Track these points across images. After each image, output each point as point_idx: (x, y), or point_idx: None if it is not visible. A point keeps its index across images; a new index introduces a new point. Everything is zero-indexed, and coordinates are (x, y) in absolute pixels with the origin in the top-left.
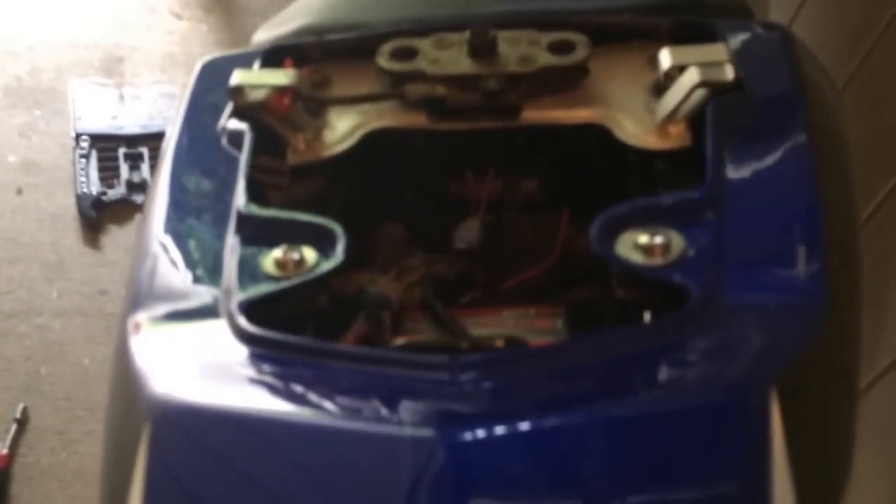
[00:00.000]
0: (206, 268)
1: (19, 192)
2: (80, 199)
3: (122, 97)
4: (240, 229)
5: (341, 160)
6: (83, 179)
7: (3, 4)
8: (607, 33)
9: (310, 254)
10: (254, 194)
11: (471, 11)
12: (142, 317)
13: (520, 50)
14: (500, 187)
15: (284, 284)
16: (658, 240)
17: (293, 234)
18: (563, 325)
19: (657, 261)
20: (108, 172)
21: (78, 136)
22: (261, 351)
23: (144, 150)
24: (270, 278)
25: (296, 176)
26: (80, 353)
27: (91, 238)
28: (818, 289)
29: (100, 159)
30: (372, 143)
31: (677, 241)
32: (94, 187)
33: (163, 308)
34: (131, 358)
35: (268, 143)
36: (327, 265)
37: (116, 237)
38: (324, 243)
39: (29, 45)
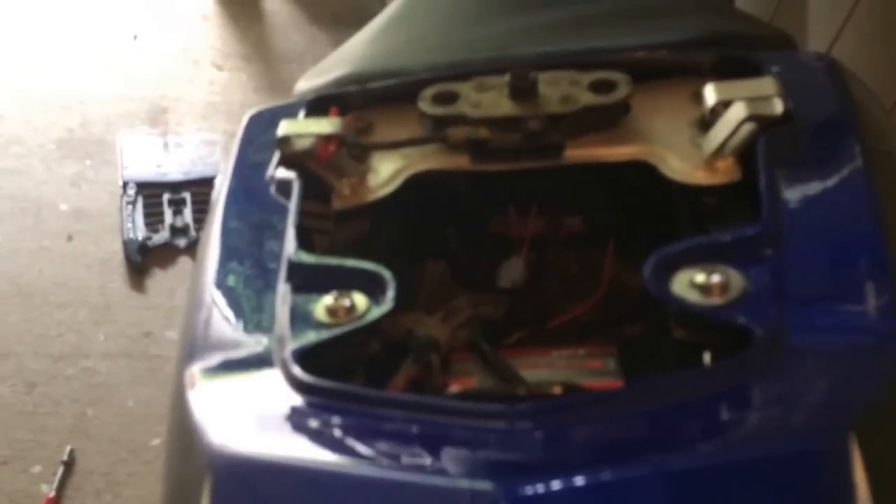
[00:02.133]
0: (259, 317)
1: (70, 238)
2: (126, 244)
3: (166, 145)
4: (290, 277)
5: (385, 203)
6: (129, 225)
7: (57, 62)
8: (649, 70)
9: (360, 300)
10: (302, 241)
11: (509, 53)
12: (197, 368)
13: (561, 90)
14: (543, 225)
15: (336, 332)
16: (716, 279)
17: (343, 281)
18: (615, 365)
19: (716, 300)
20: (153, 218)
21: (125, 183)
22: (316, 400)
23: (187, 196)
24: (322, 326)
25: (341, 220)
26: (125, 395)
27: (137, 282)
28: (890, 324)
29: (145, 205)
30: (415, 186)
31: (736, 280)
32: (140, 233)
33: (217, 358)
34: (189, 411)
35: (314, 189)
36: (378, 311)
37: (161, 280)
38: (373, 288)
39: (81, 100)
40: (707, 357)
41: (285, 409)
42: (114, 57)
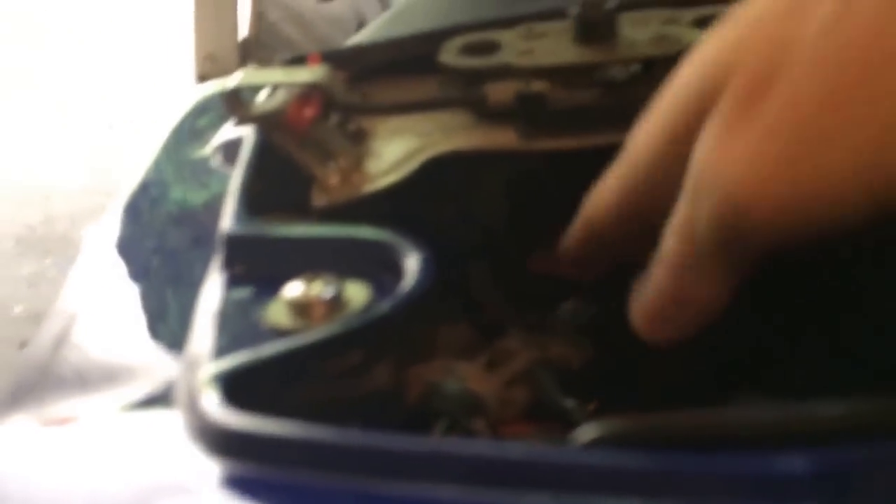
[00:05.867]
0: (161, 327)
1: (22, 345)
2: None
3: None
4: (228, 262)
5: (388, 199)
6: None
7: (21, 152)
8: None
9: (356, 290)
10: (252, 209)
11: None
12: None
13: (651, 30)
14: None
15: (301, 341)
16: None
17: (322, 261)
18: None
19: None
20: None
21: None
22: (250, 469)
23: None
24: (278, 334)
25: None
26: None
27: None
28: None
29: None
30: (434, 176)
31: None
32: None
33: (62, 402)
34: None
35: (280, 177)
36: (387, 306)
37: None
38: (377, 272)
39: (45, 195)
40: None
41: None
42: (85, 147)
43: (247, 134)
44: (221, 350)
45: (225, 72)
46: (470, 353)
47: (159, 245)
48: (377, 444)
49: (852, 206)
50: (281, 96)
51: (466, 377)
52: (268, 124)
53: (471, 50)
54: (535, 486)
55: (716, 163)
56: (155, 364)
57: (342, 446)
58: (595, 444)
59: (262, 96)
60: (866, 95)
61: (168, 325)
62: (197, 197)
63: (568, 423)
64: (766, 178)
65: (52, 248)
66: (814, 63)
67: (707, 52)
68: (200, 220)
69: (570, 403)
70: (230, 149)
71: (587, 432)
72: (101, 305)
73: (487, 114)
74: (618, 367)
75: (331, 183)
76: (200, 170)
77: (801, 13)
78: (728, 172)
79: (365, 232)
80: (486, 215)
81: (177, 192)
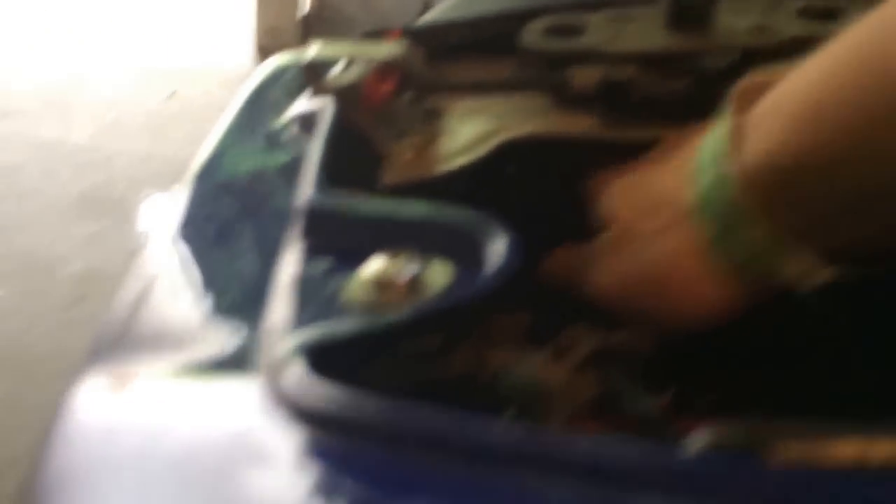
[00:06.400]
0: (240, 296)
1: (76, 302)
2: None
3: None
4: (308, 233)
5: (460, 180)
6: None
7: (84, 116)
8: None
9: (438, 271)
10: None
11: None
12: (100, 371)
13: (751, 19)
14: None
15: (383, 320)
16: None
17: (405, 238)
18: None
19: None
20: None
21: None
22: (331, 440)
23: None
24: (360, 309)
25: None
26: None
27: None
28: None
29: None
30: (510, 160)
31: None
32: None
33: (144, 359)
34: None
35: (352, 150)
36: (468, 292)
37: None
38: (461, 255)
39: (107, 156)
40: None
41: (266, 461)
42: (147, 114)
43: (323, 106)
44: (301, 322)
45: (285, 46)
46: (532, 341)
47: (216, 214)
48: (480, 432)
49: None
50: (357, 70)
51: (534, 365)
52: (345, 97)
53: (555, 32)
54: (648, 488)
55: None
56: (225, 330)
57: (441, 428)
58: (706, 451)
59: (336, 69)
60: None
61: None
62: (271, 161)
63: (642, 421)
64: None
65: (111, 209)
66: None
67: None
68: (248, 189)
69: (643, 397)
70: (306, 120)
71: (699, 440)
72: (175, 271)
73: (568, 99)
74: (681, 356)
75: (404, 160)
76: (273, 140)
77: None
78: None
79: (450, 212)
80: (556, 203)
81: (246, 163)
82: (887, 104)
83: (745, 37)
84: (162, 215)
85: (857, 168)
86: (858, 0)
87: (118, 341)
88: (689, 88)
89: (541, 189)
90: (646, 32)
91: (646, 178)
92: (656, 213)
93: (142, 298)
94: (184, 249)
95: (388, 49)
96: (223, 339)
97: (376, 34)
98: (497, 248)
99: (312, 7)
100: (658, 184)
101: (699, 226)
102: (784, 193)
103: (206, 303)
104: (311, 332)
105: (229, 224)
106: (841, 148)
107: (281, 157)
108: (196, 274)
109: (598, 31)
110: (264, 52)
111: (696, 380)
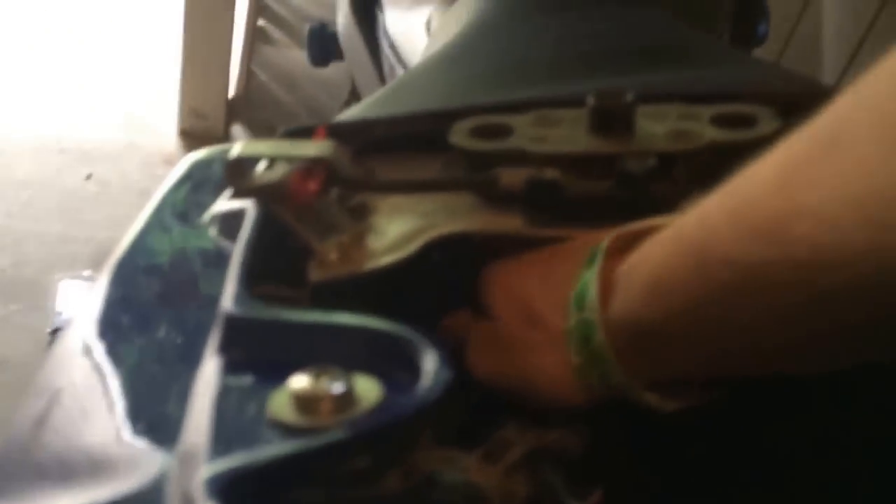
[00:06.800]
0: (156, 415)
1: None
2: None
3: None
4: (227, 345)
5: (387, 278)
6: None
7: None
8: (789, 106)
9: (367, 387)
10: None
11: (573, 90)
12: None
13: (668, 124)
14: None
15: (308, 443)
16: None
17: (329, 349)
18: None
19: None
20: None
21: (54, 331)
22: None
23: None
24: (284, 430)
25: (319, 299)
26: None
27: None
28: None
29: None
30: (437, 258)
31: None
32: None
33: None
34: None
35: (278, 251)
36: (403, 410)
37: None
38: (391, 368)
39: (16, 239)
40: None
41: None
42: (62, 196)
43: (246, 206)
44: (219, 443)
45: (210, 129)
46: (463, 443)
47: (134, 302)
48: None
49: None
50: (282, 168)
51: (466, 468)
52: (269, 197)
53: (482, 132)
54: None
55: None
56: (140, 455)
57: None
58: None
59: (260, 167)
60: None
61: (145, 406)
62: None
63: None
64: None
65: (21, 293)
66: None
67: None
68: (167, 276)
69: (574, 497)
70: (226, 221)
71: None
72: (84, 382)
73: (495, 197)
74: (615, 454)
75: (330, 258)
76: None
77: None
78: None
79: (378, 323)
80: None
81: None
82: (707, 291)
83: (663, 142)
84: (75, 302)
85: (698, 339)
86: (770, 107)
87: (16, 472)
88: (611, 190)
89: (466, 286)
90: (571, 136)
91: (533, 283)
92: (534, 328)
93: (46, 416)
94: (97, 347)
95: (316, 148)
96: (138, 467)
97: (300, 131)
98: (429, 365)
99: (238, 90)
100: (540, 299)
101: (568, 350)
102: (639, 350)
103: (120, 418)
104: (227, 461)
105: (148, 315)
106: (681, 323)
107: (204, 243)
108: (110, 382)
109: (525, 132)
110: (187, 135)
111: (626, 478)
